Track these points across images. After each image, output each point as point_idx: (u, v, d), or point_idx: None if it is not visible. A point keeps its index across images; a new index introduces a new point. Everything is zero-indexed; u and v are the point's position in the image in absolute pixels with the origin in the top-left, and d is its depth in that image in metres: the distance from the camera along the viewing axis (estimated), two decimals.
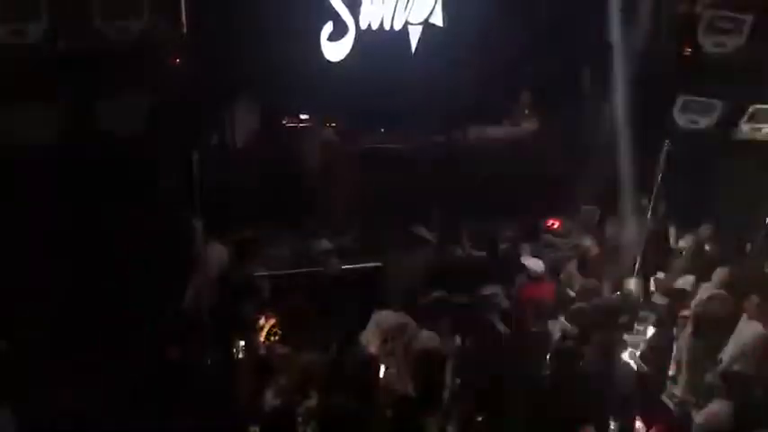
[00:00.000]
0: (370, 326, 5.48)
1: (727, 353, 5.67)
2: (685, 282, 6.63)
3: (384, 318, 5.51)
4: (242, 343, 5.52)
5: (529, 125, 9.11)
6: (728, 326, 5.76)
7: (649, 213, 7.23)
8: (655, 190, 7.07)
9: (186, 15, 7.24)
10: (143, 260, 6.43)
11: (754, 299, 5.61)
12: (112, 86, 5.84)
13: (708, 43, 7.05)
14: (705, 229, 7.12)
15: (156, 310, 6.16)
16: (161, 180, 6.77)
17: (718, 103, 6.98)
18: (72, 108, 5.70)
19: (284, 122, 8.67)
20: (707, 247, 6.96)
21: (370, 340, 5.41)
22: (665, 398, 5.60)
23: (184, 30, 7.27)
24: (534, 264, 6.65)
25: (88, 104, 5.73)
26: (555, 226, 8.83)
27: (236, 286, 5.85)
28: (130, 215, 6.25)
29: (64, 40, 5.50)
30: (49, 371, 5.68)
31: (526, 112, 9.18)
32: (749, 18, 6.71)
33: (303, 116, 8.74)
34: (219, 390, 5.19)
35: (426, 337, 5.38)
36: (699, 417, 4.99)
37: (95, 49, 5.62)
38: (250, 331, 5.68)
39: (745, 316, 5.67)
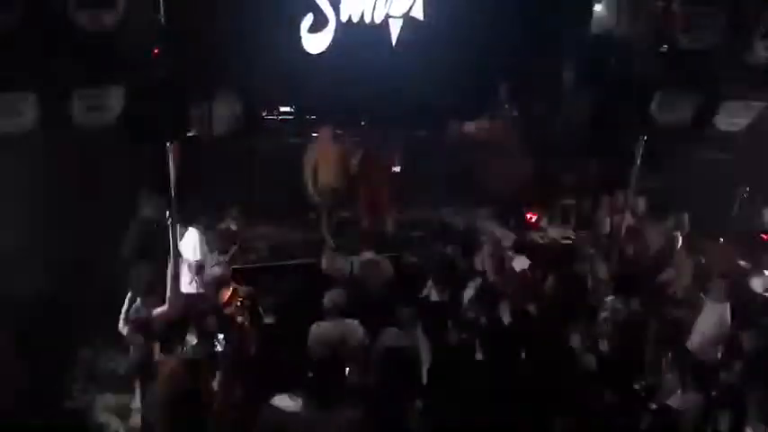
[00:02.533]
0: (311, 338, 5.44)
1: (693, 338, 5.77)
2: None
3: (322, 331, 5.47)
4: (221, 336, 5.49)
5: (507, 119, 9.12)
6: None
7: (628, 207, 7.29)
8: (632, 184, 7.13)
9: (164, 6, 7.16)
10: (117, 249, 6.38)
11: (718, 282, 5.70)
12: (87, 76, 5.73)
13: (684, 39, 7.08)
14: (677, 219, 7.23)
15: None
16: (136, 170, 6.70)
17: (694, 99, 7.03)
18: (46, 97, 5.60)
19: (264, 114, 8.59)
20: (679, 238, 7.08)
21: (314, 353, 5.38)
22: None
23: (162, 20, 7.18)
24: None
25: (62, 94, 5.62)
26: (533, 219, 8.91)
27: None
28: (106, 205, 6.18)
29: (37, 29, 5.40)
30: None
31: (506, 106, 9.21)
32: (724, 14, 6.75)
33: (283, 108, 8.69)
34: None
35: (393, 335, 5.39)
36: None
37: (69, 38, 5.51)
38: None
39: (708, 301, 5.76)
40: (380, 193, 7.88)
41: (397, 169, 7.87)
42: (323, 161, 7.73)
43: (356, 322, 5.54)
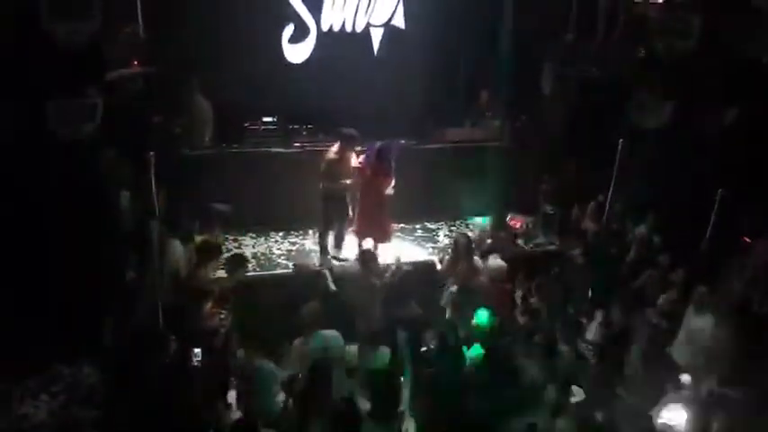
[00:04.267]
0: (292, 354, 5.44)
1: (676, 345, 5.79)
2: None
3: (330, 339, 5.46)
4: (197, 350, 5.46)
5: (488, 126, 9.17)
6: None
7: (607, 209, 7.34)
8: (611, 187, 7.18)
9: (142, 16, 7.18)
10: (97, 260, 6.33)
11: (701, 289, 5.72)
12: (64, 87, 5.71)
13: (660, 44, 7.17)
14: (650, 221, 7.29)
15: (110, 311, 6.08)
16: (116, 181, 6.68)
17: (669, 103, 7.11)
18: (22, 108, 5.58)
19: (245, 124, 8.59)
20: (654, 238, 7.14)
21: (293, 368, 5.39)
22: None
23: (140, 31, 7.20)
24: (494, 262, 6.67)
25: (39, 105, 5.60)
26: (517, 226, 8.93)
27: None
28: (83, 216, 6.14)
29: (11, 40, 5.40)
30: None
31: (487, 113, 9.26)
32: (696, 19, 6.85)
33: (265, 118, 8.69)
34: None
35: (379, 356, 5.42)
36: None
37: (45, 49, 5.50)
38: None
39: (692, 307, 5.78)
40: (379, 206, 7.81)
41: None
42: (339, 168, 7.53)
43: (336, 333, 5.51)
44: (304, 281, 6.67)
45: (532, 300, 6.62)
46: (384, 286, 6.49)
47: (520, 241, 8.56)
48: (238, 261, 6.42)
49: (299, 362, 5.41)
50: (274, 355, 5.69)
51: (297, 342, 5.52)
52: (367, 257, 6.75)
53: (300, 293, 6.16)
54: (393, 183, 7.52)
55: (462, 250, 6.72)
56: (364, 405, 4.97)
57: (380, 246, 7.61)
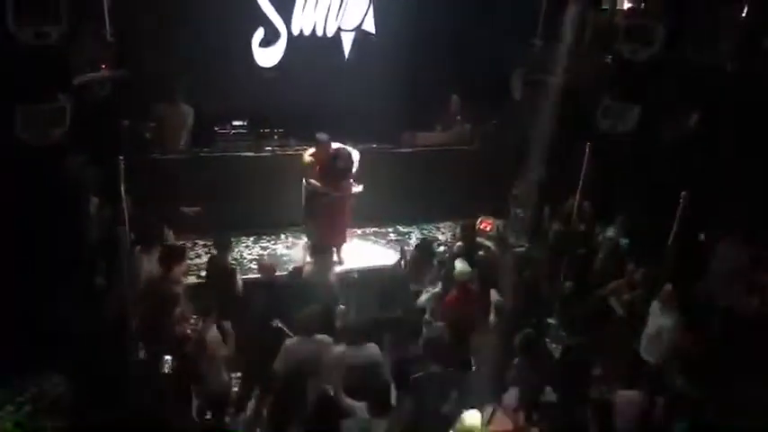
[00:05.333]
0: (281, 357, 5.40)
1: (643, 342, 5.93)
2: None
3: (294, 348, 5.42)
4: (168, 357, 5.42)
5: (459, 130, 9.26)
6: None
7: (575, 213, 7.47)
8: (579, 191, 7.32)
9: (110, 19, 7.09)
10: (66, 269, 6.24)
11: (668, 288, 5.87)
12: (32, 91, 5.63)
13: (626, 50, 7.35)
14: (618, 223, 7.46)
15: (81, 320, 5.98)
16: (85, 186, 6.59)
17: (635, 108, 7.29)
18: None
19: (215, 128, 8.54)
20: (621, 241, 7.30)
21: (282, 369, 5.36)
22: None
23: (108, 35, 7.11)
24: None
25: (6, 109, 5.51)
26: (487, 228, 9.03)
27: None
28: (51, 223, 6.04)
29: None
30: None
31: (458, 117, 9.35)
32: (662, 27, 7.03)
33: (235, 122, 8.64)
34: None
35: (368, 353, 5.37)
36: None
37: (13, 54, 5.41)
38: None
39: (656, 304, 5.92)
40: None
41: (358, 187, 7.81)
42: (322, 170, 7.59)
43: (329, 339, 5.50)
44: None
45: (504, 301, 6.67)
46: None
47: (490, 244, 8.67)
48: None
49: (284, 364, 5.38)
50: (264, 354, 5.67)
51: (289, 342, 5.48)
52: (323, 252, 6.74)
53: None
54: (354, 187, 7.61)
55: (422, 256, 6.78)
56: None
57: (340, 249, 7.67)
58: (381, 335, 5.66)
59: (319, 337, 5.46)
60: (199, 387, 5.45)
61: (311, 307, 5.60)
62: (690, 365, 5.87)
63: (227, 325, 5.77)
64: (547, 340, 6.81)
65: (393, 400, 5.25)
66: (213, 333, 5.56)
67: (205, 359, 5.43)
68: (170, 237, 6.89)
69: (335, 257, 7.25)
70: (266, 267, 6.42)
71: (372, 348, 5.39)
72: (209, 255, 7.17)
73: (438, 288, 6.61)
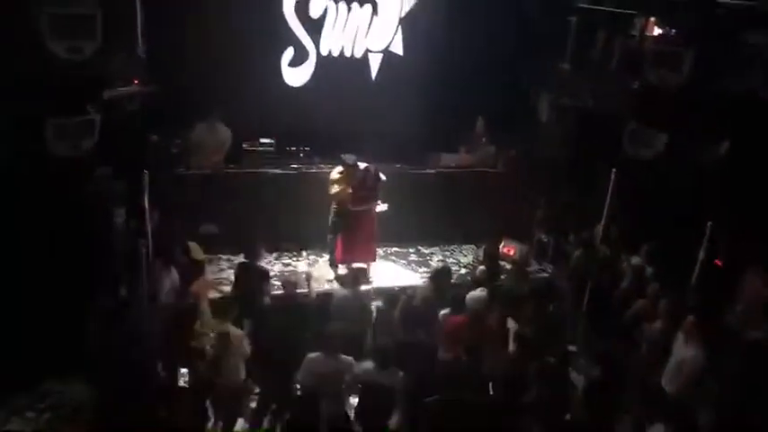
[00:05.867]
0: (303, 369, 5.41)
1: (666, 374, 5.77)
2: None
3: (316, 363, 5.43)
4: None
5: (484, 152, 9.23)
6: None
7: (599, 239, 7.35)
8: (605, 216, 7.21)
9: (142, 37, 7.27)
10: (91, 279, 6.33)
11: (691, 319, 5.72)
12: (63, 104, 5.77)
13: (654, 77, 7.28)
14: (644, 251, 7.32)
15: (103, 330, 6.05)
16: (112, 200, 6.71)
17: (663, 135, 7.19)
18: (20, 125, 5.64)
19: (243, 145, 8.65)
20: (647, 269, 7.15)
21: (305, 382, 5.38)
22: None
23: (141, 52, 7.29)
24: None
25: (38, 122, 5.65)
26: (511, 253, 8.94)
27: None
28: (78, 233, 6.15)
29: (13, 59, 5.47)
30: None
31: (483, 139, 9.33)
32: (690, 53, 6.95)
33: (263, 140, 8.76)
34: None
35: (394, 377, 5.35)
36: None
37: (46, 68, 5.57)
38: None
39: (681, 336, 5.77)
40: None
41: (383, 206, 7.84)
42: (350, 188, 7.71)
43: (351, 359, 5.49)
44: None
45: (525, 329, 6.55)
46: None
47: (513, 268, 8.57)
48: None
49: (309, 376, 5.38)
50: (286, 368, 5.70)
51: (312, 356, 5.48)
52: (356, 277, 6.77)
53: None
54: (379, 206, 7.71)
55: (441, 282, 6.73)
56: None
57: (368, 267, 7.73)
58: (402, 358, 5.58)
59: (342, 357, 5.45)
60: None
61: (337, 325, 5.60)
62: (712, 397, 5.70)
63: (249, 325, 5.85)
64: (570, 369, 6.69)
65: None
66: (235, 331, 5.64)
67: (229, 355, 5.46)
68: (196, 251, 7.00)
69: (364, 277, 7.33)
70: (290, 284, 6.42)
71: (397, 372, 5.36)
72: (238, 263, 7.22)
73: (447, 311, 6.53)
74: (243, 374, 5.73)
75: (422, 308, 6.44)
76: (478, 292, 6.17)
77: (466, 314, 6.09)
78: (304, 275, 6.94)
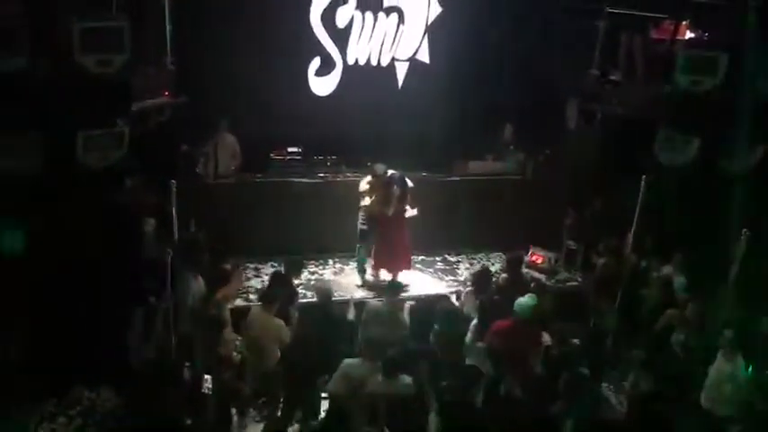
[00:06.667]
0: (338, 374, 5.42)
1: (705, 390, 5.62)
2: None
3: (353, 368, 5.43)
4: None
5: (512, 159, 9.15)
6: None
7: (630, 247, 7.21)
8: (635, 224, 7.07)
9: (172, 49, 7.38)
10: (121, 288, 6.42)
11: (728, 333, 5.55)
12: (94, 116, 5.88)
13: (686, 81, 7.12)
14: (676, 260, 7.15)
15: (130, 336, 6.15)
16: (141, 208, 6.81)
17: (695, 140, 7.02)
18: (52, 139, 5.76)
19: (271, 154, 8.72)
20: (677, 278, 6.98)
21: (337, 389, 5.37)
22: None
23: (169, 64, 7.40)
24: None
25: (68, 135, 5.77)
26: (539, 261, 8.84)
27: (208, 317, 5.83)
28: (109, 242, 6.25)
29: (44, 72, 5.59)
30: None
31: (510, 146, 9.25)
32: (725, 57, 6.79)
33: (290, 149, 8.81)
34: None
35: (402, 385, 5.34)
36: None
37: (76, 81, 5.68)
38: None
39: (721, 351, 5.61)
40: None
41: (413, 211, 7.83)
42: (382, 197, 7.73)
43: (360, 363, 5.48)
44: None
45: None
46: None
47: (542, 277, 8.48)
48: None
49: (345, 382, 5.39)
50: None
51: (349, 361, 5.50)
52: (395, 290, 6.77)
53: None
54: (409, 211, 7.71)
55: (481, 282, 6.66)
56: None
57: (400, 274, 7.72)
58: (418, 365, 5.54)
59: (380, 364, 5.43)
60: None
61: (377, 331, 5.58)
62: (754, 417, 5.52)
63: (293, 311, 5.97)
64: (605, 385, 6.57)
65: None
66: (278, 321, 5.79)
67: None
68: (226, 260, 7.08)
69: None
70: (322, 291, 6.43)
71: (405, 380, 5.30)
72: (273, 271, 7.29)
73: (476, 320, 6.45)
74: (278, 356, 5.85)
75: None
76: (527, 299, 6.05)
77: (512, 319, 5.98)
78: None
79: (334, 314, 6.27)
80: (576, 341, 6.36)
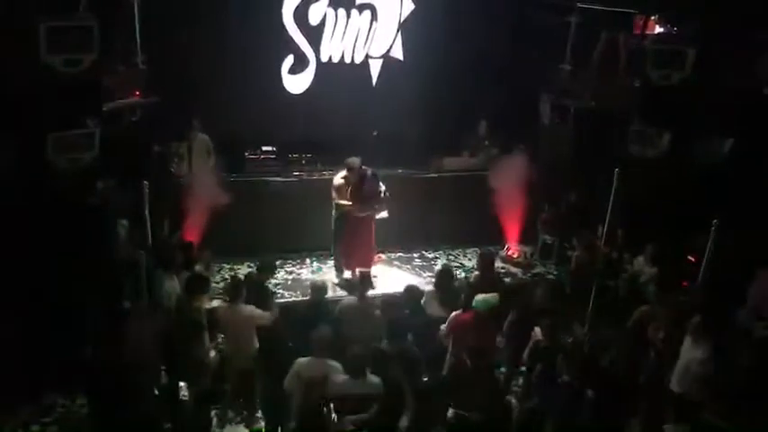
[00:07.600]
0: (292, 373, 5.33)
1: (675, 375, 5.70)
2: None
3: (303, 366, 5.34)
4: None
5: (487, 154, 9.19)
6: None
7: (602, 240, 7.29)
8: (608, 217, 7.15)
9: (142, 48, 7.29)
10: (94, 291, 6.33)
11: (697, 320, 5.65)
12: (63, 117, 5.78)
13: (657, 75, 7.21)
14: (648, 251, 7.25)
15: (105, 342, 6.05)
16: (114, 211, 6.71)
17: (666, 134, 7.12)
18: (21, 140, 5.66)
19: (246, 153, 8.66)
20: (647, 269, 7.08)
21: (291, 388, 5.32)
22: None
23: (141, 63, 7.31)
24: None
25: (38, 136, 5.67)
26: (515, 255, 8.90)
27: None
28: (80, 245, 6.15)
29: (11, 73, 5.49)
30: None
31: (485, 142, 9.30)
32: (692, 51, 6.89)
33: (265, 147, 8.76)
34: None
35: (369, 384, 5.24)
36: None
37: (44, 81, 5.58)
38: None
39: (688, 337, 5.70)
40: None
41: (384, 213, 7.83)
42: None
43: (338, 365, 5.36)
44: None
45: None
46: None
47: (518, 272, 8.55)
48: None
49: (296, 380, 5.34)
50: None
51: (301, 360, 5.42)
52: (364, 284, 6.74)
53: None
54: (379, 213, 7.75)
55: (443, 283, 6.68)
56: None
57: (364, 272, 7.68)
58: (387, 365, 5.49)
59: (330, 361, 5.35)
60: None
61: (326, 328, 5.53)
62: (721, 397, 5.62)
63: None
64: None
65: None
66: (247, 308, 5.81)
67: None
68: (207, 259, 7.02)
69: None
70: (317, 288, 6.38)
71: (373, 380, 5.25)
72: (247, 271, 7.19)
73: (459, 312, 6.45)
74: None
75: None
76: (488, 297, 6.09)
77: (472, 312, 6.02)
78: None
79: (328, 312, 6.22)
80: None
